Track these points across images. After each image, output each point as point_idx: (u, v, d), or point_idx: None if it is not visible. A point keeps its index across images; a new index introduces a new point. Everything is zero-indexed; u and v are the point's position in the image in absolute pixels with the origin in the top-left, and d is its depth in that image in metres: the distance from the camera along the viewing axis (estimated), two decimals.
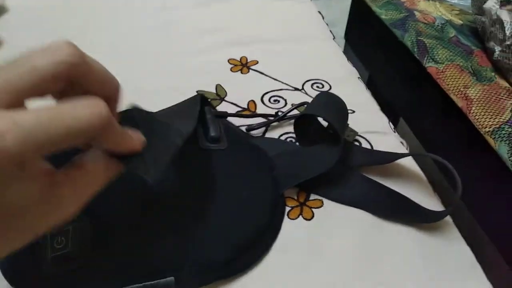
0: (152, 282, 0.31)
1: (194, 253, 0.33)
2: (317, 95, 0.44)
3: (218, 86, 0.52)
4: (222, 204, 0.36)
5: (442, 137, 0.71)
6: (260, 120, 0.47)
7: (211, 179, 0.37)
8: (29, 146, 0.16)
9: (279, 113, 0.47)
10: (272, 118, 0.46)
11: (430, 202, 0.41)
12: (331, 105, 0.42)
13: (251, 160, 0.40)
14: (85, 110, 0.18)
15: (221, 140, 0.40)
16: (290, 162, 0.41)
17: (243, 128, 0.46)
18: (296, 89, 0.52)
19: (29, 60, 0.19)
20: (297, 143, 0.45)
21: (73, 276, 0.31)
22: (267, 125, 0.46)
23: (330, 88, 0.53)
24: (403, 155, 0.42)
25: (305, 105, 0.48)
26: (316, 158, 0.40)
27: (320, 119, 0.45)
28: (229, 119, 0.46)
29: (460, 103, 0.63)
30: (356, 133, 0.46)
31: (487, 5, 0.66)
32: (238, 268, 0.34)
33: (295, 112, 0.47)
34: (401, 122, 0.85)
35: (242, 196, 0.37)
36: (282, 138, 0.46)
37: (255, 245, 0.35)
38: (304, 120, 0.43)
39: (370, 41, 0.95)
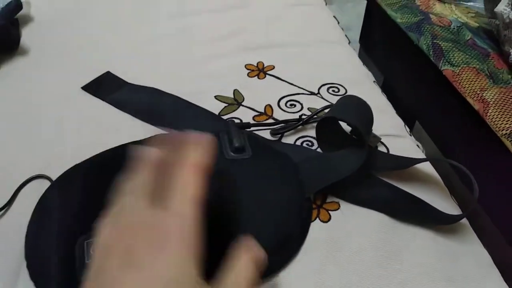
0: None
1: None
2: (340, 98, 0.44)
3: (235, 91, 0.53)
4: (250, 211, 0.37)
5: (458, 140, 0.71)
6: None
7: (238, 188, 0.38)
8: None
9: (303, 117, 0.48)
10: (294, 122, 0.47)
11: (447, 205, 0.41)
12: (355, 108, 0.42)
13: (276, 166, 0.42)
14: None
15: (245, 149, 0.42)
16: (314, 167, 0.42)
17: (267, 132, 0.47)
18: (312, 93, 0.53)
19: None
20: (318, 148, 0.46)
21: None
22: (288, 130, 0.47)
23: (346, 92, 0.53)
24: (420, 160, 0.42)
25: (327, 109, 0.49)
26: (340, 162, 0.41)
27: (342, 122, 0.46)
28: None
29: (477, 106, 0.63)
30: (379, 139, 0.46)
31: (498, 9, 0.66)
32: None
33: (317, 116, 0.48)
34: (416, 125, 0.85)
35: (269, 202, 0.38)
36: (299, 141, 0.46)
37: (283, 248, 0.36)
38: (325, 124, 0.44)
39: (385, 45, 0.96)
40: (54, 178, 0.42)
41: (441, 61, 0.71)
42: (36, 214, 0.38)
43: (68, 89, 0.54)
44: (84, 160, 0.43)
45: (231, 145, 0.42)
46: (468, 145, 0.68)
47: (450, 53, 0.71)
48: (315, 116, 0.48)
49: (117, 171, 0.41)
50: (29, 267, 0.34)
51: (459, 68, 0.68)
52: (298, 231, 0.38)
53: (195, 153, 0.29)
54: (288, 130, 0.47)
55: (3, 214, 0.40)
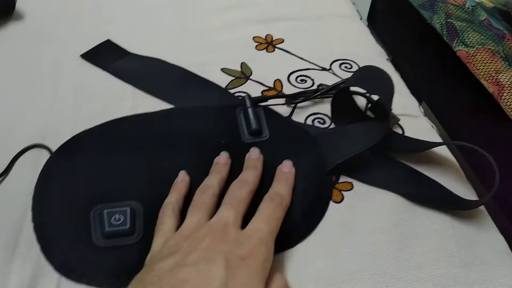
0: None
1: None
2: (359, 68, 0.42)
3: (243, 64, 0.51)
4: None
5: (469, 123, 0.69)
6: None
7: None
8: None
9: (320, 88, 0.46)
10: (311, 93, 0.45)
11: (463, 189, 0.40)
12: (375, 78, 0.40)
13: (295, 143, 0.40)
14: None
15: (262, 131, 0.41)
16: (333, 139, 0.40)
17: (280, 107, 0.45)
18: (323, 69, 0.51)
19: None
20: (331, 125, 0.44)
21: (125, 250, 0.33)
22: (305, 100, 0.45)
23: None
24: (437, 144, 0.40)
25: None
26: (361, 134, 0.39)
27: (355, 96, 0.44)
28: None
29: (491, 88, 0.61)
30: (397, 119, 0.44)
31: None
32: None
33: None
34: (423, 106, 0.83)
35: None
36: (310, 118, 0.44)
37: (303, 222, 0.35)
38: (340, 98, 0.42)
39: (394, 23, 0.92)
40: (51, 148, 0.40)
41: (455, 41, 0.69)
42: (43, 179, 0.37)
43: (65, 57, 0.51)
44: (89, 129, 0.41)
45: (248, 126, 0.41)
46: (480, 129, 0.66)
47: (464, 33, 0.68)
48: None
49: (127, 143, 0.40)
50: (36, 229, 0.34)
51: (474, 49, 0.66)
52: (318, 206, 0.36)
53: (285, 189, 0.34)
54: (305, 100, 0.45)
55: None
